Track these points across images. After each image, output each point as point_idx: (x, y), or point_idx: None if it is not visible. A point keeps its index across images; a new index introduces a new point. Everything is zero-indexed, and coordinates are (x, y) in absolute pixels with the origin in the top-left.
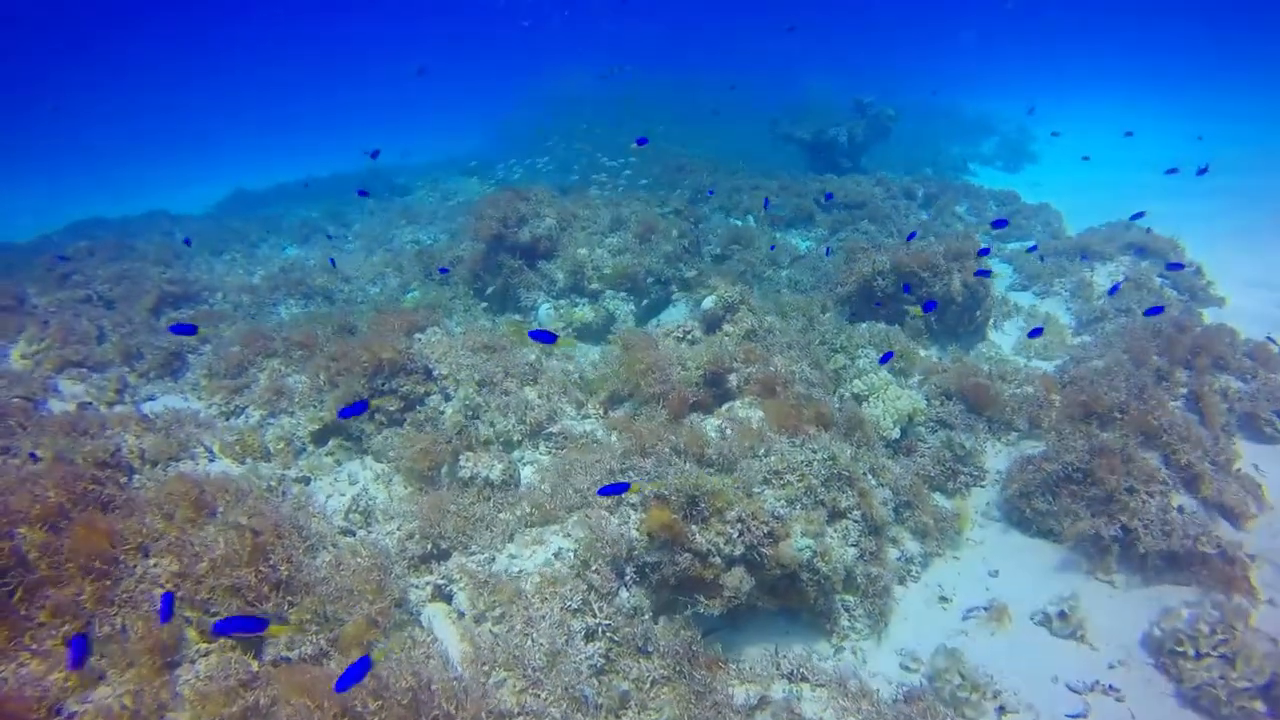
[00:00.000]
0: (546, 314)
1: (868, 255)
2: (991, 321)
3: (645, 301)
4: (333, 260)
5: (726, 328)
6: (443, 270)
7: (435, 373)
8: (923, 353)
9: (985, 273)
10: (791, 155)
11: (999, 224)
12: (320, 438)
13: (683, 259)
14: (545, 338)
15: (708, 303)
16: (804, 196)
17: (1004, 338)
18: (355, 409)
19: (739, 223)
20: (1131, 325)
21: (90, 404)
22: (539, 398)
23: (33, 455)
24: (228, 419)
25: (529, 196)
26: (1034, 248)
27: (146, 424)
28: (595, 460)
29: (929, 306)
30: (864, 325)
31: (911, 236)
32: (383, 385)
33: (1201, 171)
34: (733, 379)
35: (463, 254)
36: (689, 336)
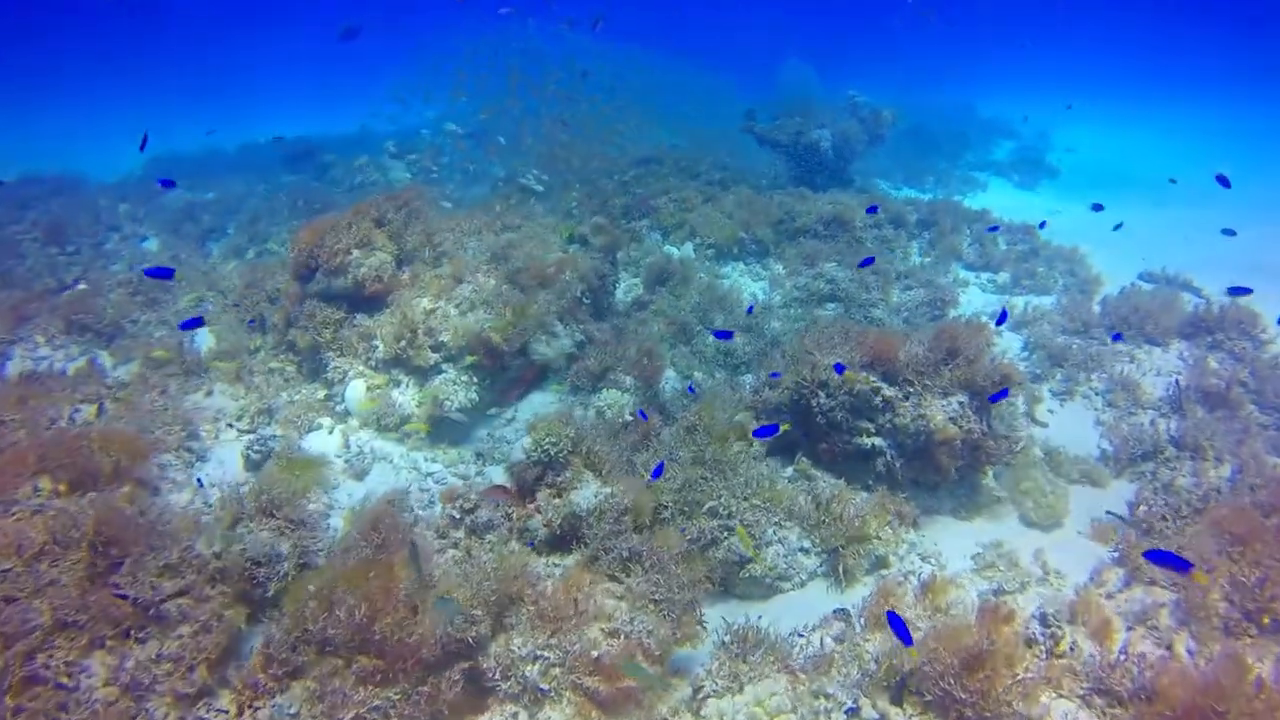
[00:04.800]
0: (355, 394)
1: (814, 351)
2: (995, 472)
3: (499, 382)
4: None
5: (542, 496)
6: (250, 322)
7: None
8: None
9: (1002, 394)
10: (775, 155)
11: (1001, 318)
12: None
13: (573, 313)
14: None
15: (519, 451)
16: (768, 217)
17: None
18: None
19: (675, 251)
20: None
21: None
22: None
23: None
24: None
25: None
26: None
27: None
28: None
29: None
30: (789, 475)
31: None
32: None
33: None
34: (519, 643)
35: (281, 287)
36: (469, 518)
